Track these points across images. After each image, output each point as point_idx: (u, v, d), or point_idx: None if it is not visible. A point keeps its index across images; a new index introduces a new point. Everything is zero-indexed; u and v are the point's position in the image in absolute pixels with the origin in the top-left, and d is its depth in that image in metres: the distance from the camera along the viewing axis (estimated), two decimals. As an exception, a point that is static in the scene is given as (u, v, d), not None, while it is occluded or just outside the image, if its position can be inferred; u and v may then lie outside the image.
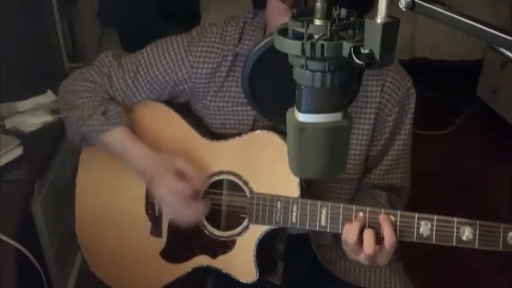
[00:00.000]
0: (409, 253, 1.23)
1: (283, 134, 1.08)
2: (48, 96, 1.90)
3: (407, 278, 1.24)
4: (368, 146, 1.14)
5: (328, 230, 1.05)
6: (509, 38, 0.51)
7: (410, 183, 1.24)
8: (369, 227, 1.00)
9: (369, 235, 0.98)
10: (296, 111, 0.61)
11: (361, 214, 1.02)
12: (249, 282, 1.13)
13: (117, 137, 1.13)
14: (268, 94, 0.98)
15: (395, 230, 0.99)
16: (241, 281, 1.13)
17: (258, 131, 1.11)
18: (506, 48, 0.52)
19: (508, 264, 2.04)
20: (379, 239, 0.99)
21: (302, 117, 0.60)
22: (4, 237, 1.33)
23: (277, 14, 0.99)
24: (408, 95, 1.13)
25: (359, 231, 0.99)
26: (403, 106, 1.13)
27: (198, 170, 1.11)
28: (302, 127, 0.60)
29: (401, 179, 1.20)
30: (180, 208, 1.09)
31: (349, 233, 1.00)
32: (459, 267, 2.14)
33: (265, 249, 1.15)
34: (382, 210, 1.01)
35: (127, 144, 1.13)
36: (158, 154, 1.12)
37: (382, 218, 1.00)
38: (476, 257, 2.02)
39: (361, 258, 1.00)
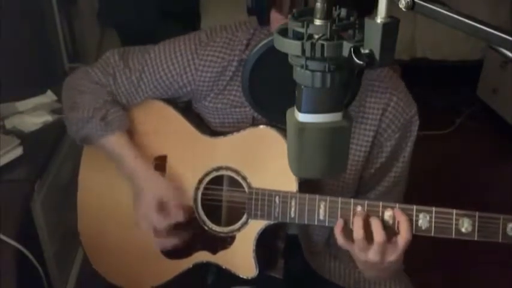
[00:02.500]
0: (409, 254, 1.23)
1: (281, 129, 1.08)
2: (48, 96, 1.90)
3: (407, 279, 1.24)
4: (363, 167, 1.12)
5: (326, 224, 1.05)
6: (509, 38, 0.51)
7: (410, 186, 1.23)
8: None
9: (376, 222, 0.97)
10: (296, 111, 0.61)
11: (359, 208, 1.01)
12: (249, 278, 1.13)
13: (114, 143, 1.14)
14: (268, 94, 0.98)
15: (411, 224, 0.97)
16: (241, 276, 1.13)
17: (256, 127, 1.11)
18: (506, 48, 0.52)
19: (508, 264, 2.04)
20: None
21: (302, 117, 0.60)
22: (4, 237, 1.34)
23: (276, 23, 0.98)
24: (411, 122, 1.10)
25: (363, 224, 0.98)
26: (404, 133, 1.10)
27: (182, 205, 1.13)
28: (302, 127, 0.60)
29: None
30: (146, 231, 1.13)
31: (354, 229, 0.98)
32: (459, 267, 2.14)
33: (265, 246, 1.15)
34: (381, 204, 1.00)
35: (122, 153, 1.14)
36: (152, 172, 1.14)
37: (397, 212, 0.98)
38: (477, 257, 2.03)
39: (371, 255, 0.98)
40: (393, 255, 0.98)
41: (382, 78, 1.08)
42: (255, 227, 1.11)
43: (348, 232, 1.00)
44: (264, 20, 1.00)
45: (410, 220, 0.98)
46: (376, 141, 1.10)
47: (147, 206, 1.11)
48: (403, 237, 0.97)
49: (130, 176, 1.14)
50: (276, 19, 0.97)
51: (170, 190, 1.13)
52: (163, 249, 1.17)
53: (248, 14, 1.00)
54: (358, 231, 0.98)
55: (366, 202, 1.01)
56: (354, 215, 1.01)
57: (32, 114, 1.78)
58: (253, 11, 0.99)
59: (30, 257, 1.42)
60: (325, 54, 0.55)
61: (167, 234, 1.13)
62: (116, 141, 1.14)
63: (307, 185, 1.08)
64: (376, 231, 0.97)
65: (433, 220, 0.98)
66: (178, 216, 1.11)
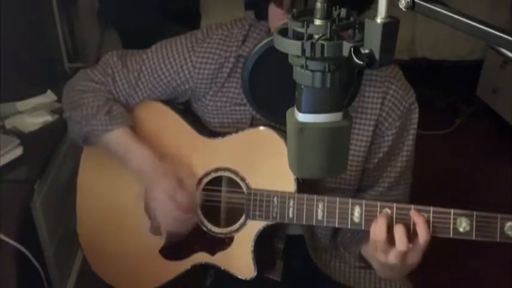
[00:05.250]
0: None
1: (279, 130, 1.08)
2: (48, 96, 1.90)
3: (406, 279, 1.24)
4: (365, 158, 1.12)
5: (325, 224, 1.05)
6: (509, 38, 0.51)
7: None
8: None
9: (400, 230, 0.95)
10: (296, 111, 0.61)
11: (387, 210, 1.00)
12: (248, 279, 1.13)
13: (120, 137, 1.14)
14: (268, 94, 0.98)
15: (429, 225, 0.97)
16: (239, 277, 1.13)
17: (254, 128, 1.11)
18: (506, 48, 0.52)
19: (508, 264, 2.04)
20: (408, 236, 0.96)
21: (302, 117, 0.60)
22: (4, 237, 1.34)
23: (275, 19, 0.98)
24: (411, 110, 1.10)
25: (386, 227, 0.96)
26: (404, 121, 1.10)
27: (196, 183, 1.12)
28: (302, 127, 0.60)
29: (401, 196, 1.18)
30: (172, 214, 1.09)
31: (376, 230, 0.97)
32: (459, 268, 2.14)
33: (264, 247, 1.15)
34: (379, 204, 1.00)
35: (129, 145, 1.13)
36: (160, 160, 1.13)
37: (414, 213, 0.98)
38: (476, 257, 2.02)
39: (391, 258, 0.96)
40: (413, 258, 0.97)
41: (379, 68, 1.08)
42: (254, 227, 1.11)
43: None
44: (261, 15, 1.00)
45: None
46: (377, 131, 1.10)
47: (167, 187, 1.09)
48: (422, 239, 0.95)
49: (138, 168, 1.13)
50: (275, 14, 0.97)
51: (181, 170, 1.12)
52: (162, 249, 1.17)
53: (245, 9, 1.00)
54: (381, 233, 0.96)
55: (364, 202, 1.02)
56: (379, 215, 0.99)
57: (32, 114, 1.78)
58: (250, 5, 0.99)
59: (30, 257, 1.42)
60: (325, 54, 0.55)
61: (187, 214, 1.10)
62: (121, 136, 1.14)
63: (307, 183, 1.08)
64: (399, 239, 0.95)
65: (431, 220, 0.98)
66: (196, 194, 1.11)
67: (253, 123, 1.14)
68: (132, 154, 1.13)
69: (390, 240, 0.96)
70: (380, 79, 1.08)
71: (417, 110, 1.11)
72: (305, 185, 1.07)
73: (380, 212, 1.00)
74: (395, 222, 0.98)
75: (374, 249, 1.00)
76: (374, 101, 1.08)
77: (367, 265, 1.13)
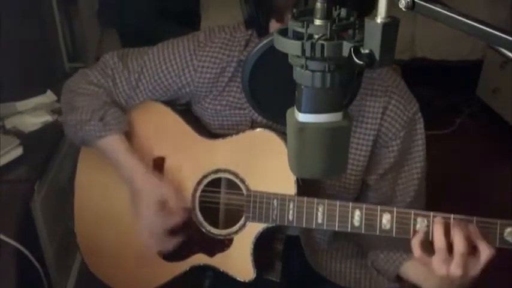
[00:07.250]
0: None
1: (280, 132, 1.08)
2: (48, 96, 1.90)
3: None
4: (365, 168, 1.11)
5: (325, 227, 1.04)
6: (509, 38, 0.51)
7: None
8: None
9: (457, 231, 0.91)
10: (296, 111, 0.61)
11: (438, 219, 0.95)
12: (246, 280, 1.13)
13: (112, 144, 1.14)
14: (269, 94, 0.98)
15: (486, 238, 0.92)
16: (238, 279, 1.13)
17: (255, 130, 1.11)
18: (506, 48, 0.52)
19: (508, 264, 2.04)
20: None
21: (302, 117, 0.60)
22: (4, 237, 1.34)
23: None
24: (414, 120, 1.09)
25: (444, 232, 0.93)
26: (409, 131, 1.09)
27: (182, 206, 1.13)
28: (302, 127, 0.60)
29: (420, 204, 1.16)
30: (145, 233, 1.13)
31: (437, 238, 0.93)
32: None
33: (263, 249, 1.15)
34: (379, 208, 1.00)
35: (120, 154, 1.13)
36: (151, 174, 1.13)
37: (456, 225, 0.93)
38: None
39: (452, 268, 0.92)
40: (474, 270, 0.93)
41: (382, 77, 1.07)
42: (253, 229, 1.11)
43: (425, 244, 0.96)
44: (262, 32, 1.00)
45: (408, 223, 0.97)
46: (381, 142, 1.09)
47: (146, 206, 1.11)
48: (485, 251, 0.91)
49: (128, 178, 1.14)
50: (273, 21, 0.97)
51: (170, 190, 1.13)
52: (160, 251, 1.17)
53: (246, 28, 0.99)
54: (440, 240, 0.93)
55: (364, 206, 1.01)
56: (433, 223, 0.96)
57: (32, 114, 1.78)
58: (251, 24, 0.99)
59: (30, 257, 1.42)
60: (325, 54, 0.55)
61: (166, 236, 1.12)
62: (113, 143, 1.14)
63: (306, 187, 1.08)
64: (457, 241, 0.91)
65: (431, 225, 0.97)
66: (178, 217, 1.11)
67: (253, 126, 1.14)
68: (123, 163, 1.13)
69: (450, 247, 0.92)
70: (382, 88, 1.07)
71: (421, 120, 1.10)
72: (305, 189, 1.07)
73: (380, 215, 1.00)
74: (452, 226, 0.93)
75: (430, 264, 0.94)
76: (375, 110, 1.07)
77: (401, 285, 1.12)
